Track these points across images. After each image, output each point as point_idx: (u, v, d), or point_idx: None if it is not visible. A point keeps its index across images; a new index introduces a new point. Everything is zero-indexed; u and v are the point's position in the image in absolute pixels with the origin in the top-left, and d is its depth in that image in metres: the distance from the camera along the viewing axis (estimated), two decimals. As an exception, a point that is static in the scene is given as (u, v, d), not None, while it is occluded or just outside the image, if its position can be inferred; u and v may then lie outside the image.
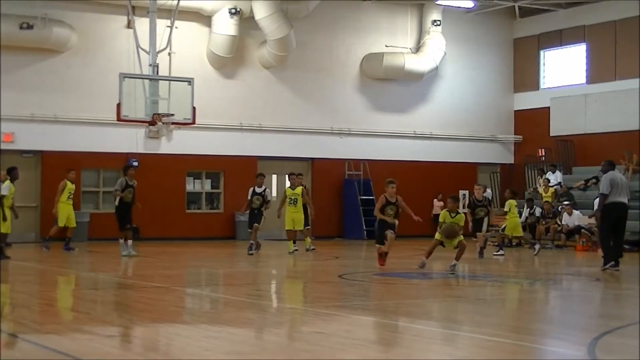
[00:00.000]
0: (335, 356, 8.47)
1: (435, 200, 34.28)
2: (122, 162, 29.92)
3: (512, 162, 37.05)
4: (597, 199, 26.69)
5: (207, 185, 32.07)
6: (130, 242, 21.92)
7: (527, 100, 36.57)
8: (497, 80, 37.05)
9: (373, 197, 33.22)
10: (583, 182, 31.04)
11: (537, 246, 24.50)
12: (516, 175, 36.30)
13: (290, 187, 23.45)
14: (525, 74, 36.74)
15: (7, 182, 21.25)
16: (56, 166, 27.96)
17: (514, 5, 35.49)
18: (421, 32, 35.24)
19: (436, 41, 34.84)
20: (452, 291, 15.42)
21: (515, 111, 37.14)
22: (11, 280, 16.63)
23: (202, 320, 11.27)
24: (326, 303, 13.09)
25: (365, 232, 32.56)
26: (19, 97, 28.84)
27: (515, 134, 37.10)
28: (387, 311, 12.03)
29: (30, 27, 28.41)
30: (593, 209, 26.85)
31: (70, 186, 24.23)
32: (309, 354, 8.60)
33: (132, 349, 8.85)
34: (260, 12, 30.71)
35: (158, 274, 17.36)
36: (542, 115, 35.22)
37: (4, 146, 28.78)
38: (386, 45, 34.54)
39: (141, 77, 25.76)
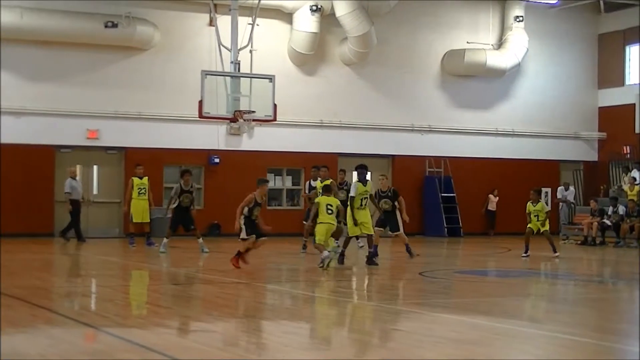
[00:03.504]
0: (414, 354, 8.43)
1: (491, 195, 33.98)
2: (204, 158, 30.31)
3: (596, 159, 36.47)
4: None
5: (287, 182, 32.19)
6: (165, 240, 22.13)
7: (611, 97, 35.94)
8: (580, 76, 36.51)
9: (454, 195, 33.09)
10: None
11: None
12: (600, 173, 35.74)
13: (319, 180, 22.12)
14: (610, 69, 36.13)
15: (355, 181, 19.09)
16: (140, 162, 28.32)
17: (599, 0, 34.92)
18: (503, 28, 34.89)
19: (519, 37, 34.46)
20: (533, 289, 15.25)
21: (599, 108, 36.55)
22: (95, 275, 16.91)
23: (282, 316, 11.32)
24: (406, 300, 13.05)
25: (446, 230, 32.40)
26: (104, 94, 29.35)
27: (599, 131, 36.51)
28: (467, 309, 11.94)
29: (114, 25, 28.86)
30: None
31: (138, 182, 24.32)
32: (388, 351, 8.58)
33: (212, 344, 8.92)
34: (341, 9, 30.72)
35: (238, 270, 17.47)
36: (627, 111, 34.52)
37: (89, 142, 29.36)
38: (468, 42, 34.27)
39: (223, 74, 25.95)
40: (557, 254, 21.38)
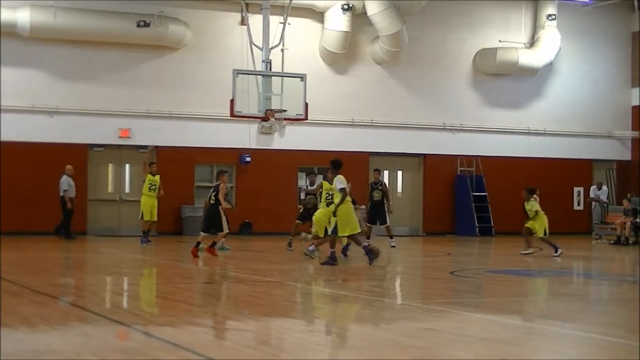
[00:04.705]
0: (445, 353, 8.41)
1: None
2: (236, 157, 30.38)
3: (630, 158, 36.22)
4: None
5: (318, 181, 32.08)
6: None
7: (646, 95, 35.68)
8: (614, 74, 36.27)
9: (486, 194, 32.98)
10: None
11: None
12: (633, 172, 35.48)
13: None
14: (644, 68, 35.86)
15: None
16: (171, 161, 28.55)
17: (633, -2, 34.70)
18: (536, 27, 34.74)
19: (551, 36, 34.30)
20: (565, 289, 15.16)
21: (632, 106, 36.28)
22: (127, 273, 17.00)
23: (313, 315, 11.32)
24: (437, 299, 13.01)
25: (477, 229, 32.29)
26: (136, 93, 29.55)
27: (632, 130, 36.24)
28: (499, 308, 11.89)
29: (147, 24, 29.03)
30: None
31: (151, 178, 24.40)
32: (419, 350, 8.56)
33: (244, 342, 8.93)
34: (373, 8, 30.71)
35: (270, 269, 17.51)
36: (661, 110, 34.34)
37: (121, 141, 29.55)
38: (500, 40, 34.15)
39: (254, 73, 26.02)
40: (528, 252, 21.43)
